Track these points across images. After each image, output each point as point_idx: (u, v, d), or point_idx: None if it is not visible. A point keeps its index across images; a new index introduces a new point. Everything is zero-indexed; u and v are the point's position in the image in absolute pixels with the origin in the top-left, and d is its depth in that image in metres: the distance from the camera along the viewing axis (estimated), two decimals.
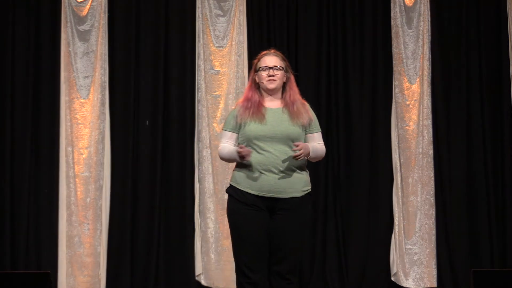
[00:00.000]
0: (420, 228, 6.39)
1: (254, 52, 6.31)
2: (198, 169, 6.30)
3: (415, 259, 6.37)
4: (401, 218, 6.40)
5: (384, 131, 6.48)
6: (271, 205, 3.90)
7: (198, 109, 6.35)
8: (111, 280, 6.18)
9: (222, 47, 6.42)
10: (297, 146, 3.83)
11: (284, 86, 4.05)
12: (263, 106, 3.99)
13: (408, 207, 6.40)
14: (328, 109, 6.43)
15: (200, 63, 6.38)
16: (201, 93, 6.36)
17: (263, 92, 4.04)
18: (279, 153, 3.88)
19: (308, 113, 4.03)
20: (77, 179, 6.22)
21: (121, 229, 6.22)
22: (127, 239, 6.20)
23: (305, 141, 3.98)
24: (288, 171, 3.90)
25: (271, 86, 3.99)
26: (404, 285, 6.32)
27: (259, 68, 4.03)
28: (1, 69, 6.25)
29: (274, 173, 3.88)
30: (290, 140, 3.91)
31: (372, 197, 6.43)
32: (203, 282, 6.22)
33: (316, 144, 4.01)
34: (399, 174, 6.44)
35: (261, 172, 3.88)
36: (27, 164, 6.18)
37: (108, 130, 6.29)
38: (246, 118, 3.96)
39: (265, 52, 4.11)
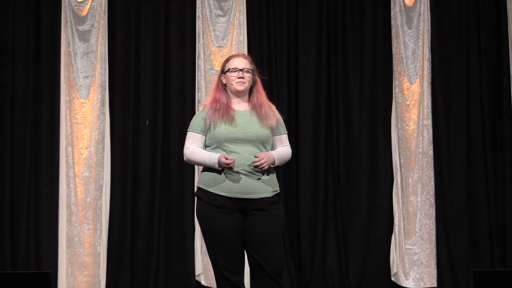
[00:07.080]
0: (420, 228, 6.39)
1: (254, 52, 6.34)
2: (198, 169, 6.30)
3: (415, 259, 6.37)
4: (401, 218, 6.40)
5: (384, 131, 6.48)
6: (243, 206, 3.87)
7: (198, 109, 6.35)
8: (111, 280, 6.18)
9: (222, 47, 6.42)
10: (257, 157, 3.82)
11: (251, 89, 4.04)
12: (231, 108, 3.98)
13: (408, 207, 6.40)
14: (328, 109, 6.43)
15: (200, 63, 6.38)
16: (201, 93, 6.36)
17: (230, 94, 4.02)
18: (249, 154, 3.86)
19: (275, 115, 4.03)
20: (77, 179, 6.22)
21: (121, 229, 6.23)
22: (127, 239, 6.20)
23: (272, 143, 3.99)
24: (258, 172, 3.87)
25: (240, 88, 3.98)
26: (404, 285, 6.32)
27: (228, 69, 4.01)
28: (1, 69, 6.25)
29: (244, 174, 3.86)
30: (260, 142, 3.91)
31: (372, 197, 6.43)
32: (203, 282, 6.22)
33: (281, 149, 4.02)
34: (399, 174, 6.44)
35: (231, 174, 3.85)
36: (27, 164, 6.18)
37: (108, 130, 6.29)
38: (215, 120, 3.93)
39: (234, 54, 4.16)
